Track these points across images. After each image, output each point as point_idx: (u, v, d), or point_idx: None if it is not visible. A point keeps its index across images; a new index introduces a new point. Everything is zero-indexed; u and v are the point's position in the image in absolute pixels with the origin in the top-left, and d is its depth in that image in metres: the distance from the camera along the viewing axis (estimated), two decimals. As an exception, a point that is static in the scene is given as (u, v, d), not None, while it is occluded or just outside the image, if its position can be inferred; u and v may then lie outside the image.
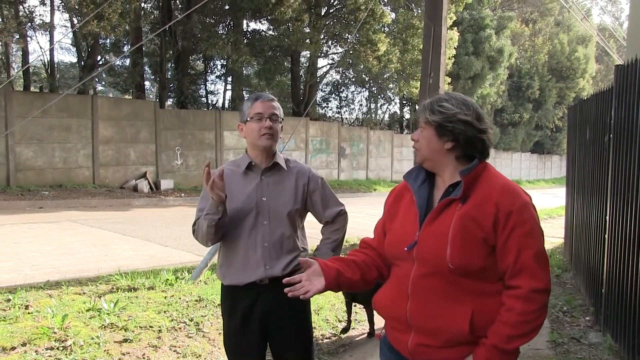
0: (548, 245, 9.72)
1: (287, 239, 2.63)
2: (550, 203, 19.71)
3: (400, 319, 1.90)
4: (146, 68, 21.63)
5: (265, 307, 2.60)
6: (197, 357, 4.09)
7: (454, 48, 21.65)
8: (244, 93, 24.21)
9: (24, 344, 3.92)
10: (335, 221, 2.82)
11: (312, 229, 2.96)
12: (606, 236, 4.96)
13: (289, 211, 2.63)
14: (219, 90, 32.26)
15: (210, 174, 2.37)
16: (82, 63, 19.06)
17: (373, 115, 32.28)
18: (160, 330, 4.41)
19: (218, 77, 26.88)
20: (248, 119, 2.59)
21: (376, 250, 2.12)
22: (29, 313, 4.59)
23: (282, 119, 2.69)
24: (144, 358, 3.94)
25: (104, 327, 4.35)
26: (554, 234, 10.99)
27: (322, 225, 2.86)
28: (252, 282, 2.59)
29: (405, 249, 1.88)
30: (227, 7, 19.16)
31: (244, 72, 23.48)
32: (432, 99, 1.92)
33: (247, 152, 2.70)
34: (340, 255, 2.50)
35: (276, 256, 2.60)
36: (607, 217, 4.93)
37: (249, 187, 2.63)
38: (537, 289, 1.75)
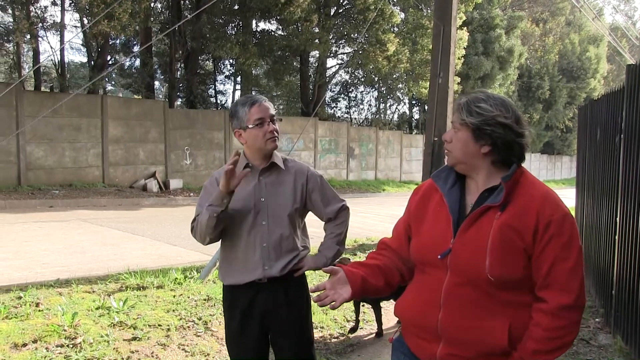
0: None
1: (286, 239, 2.62)
2: (560, 204, 19.57)
3: (428, 328, 1.82)
4: (156, 68, 21.73)
5: (264, 306, 2.61)
6: (205, 356, 4.10)
7: (464, 48, 21.57)
8: (253, 93, 24.25)
9: (34, 341, 3.95)
10: (338, 217, 2.79)
11: (315, 228, 2.94)
12: (616, 237, 4.93)
13: (287, 211, 2.62)
14: (228, 90, 32.43)
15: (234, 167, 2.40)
16: (92, 63, 19.17)
17: (382, 116, 32.30)
18: (169, 329, 4.43)
19: (227, 77, 27.01)
20: (249, 126, 2.56)
21: (397, 252, 2.01)
22: (39, 310, 4.62)
23: (281, 119, 2.70)
24: (152, 356, 3.96)
25: (113, 325, 4.37)
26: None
27: (325, 222, 2.83)
28: (251, 281, 2.59)
29: (439, 256, 1.78)
30: (236, 7, 19.19)
31: (253, 72, 23.53)
32: (469, 98, 1.80)
33: (244, 154, 2.68)
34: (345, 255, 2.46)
35: (275, 257, 2.59)
36: (618, 219, 4.90)
37: (247, 188, 2.61)
38: (566, 305, 1.67)
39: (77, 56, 52.67)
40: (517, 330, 1.71)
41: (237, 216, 2.58)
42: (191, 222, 2.67)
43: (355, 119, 31.70)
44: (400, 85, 26.73)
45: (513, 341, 1.71)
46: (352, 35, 21.02)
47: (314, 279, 5.85)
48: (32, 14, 15.61)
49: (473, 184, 1.85)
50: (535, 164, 38.65)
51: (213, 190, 2.58)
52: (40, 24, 16.06)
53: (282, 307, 2.62)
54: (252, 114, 2.55)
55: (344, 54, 24.00)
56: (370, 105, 33.07)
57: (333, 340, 4.79)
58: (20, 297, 4.96)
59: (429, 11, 20.53)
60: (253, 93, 24.05)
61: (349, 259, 4.89)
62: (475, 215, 1.75)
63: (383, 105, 32.80)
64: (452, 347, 1.77)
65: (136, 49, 20.24)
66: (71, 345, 3.93)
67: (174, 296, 5.36)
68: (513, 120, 1.74)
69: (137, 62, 21.52)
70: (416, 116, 33.20)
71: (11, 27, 16.41)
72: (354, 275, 1.88)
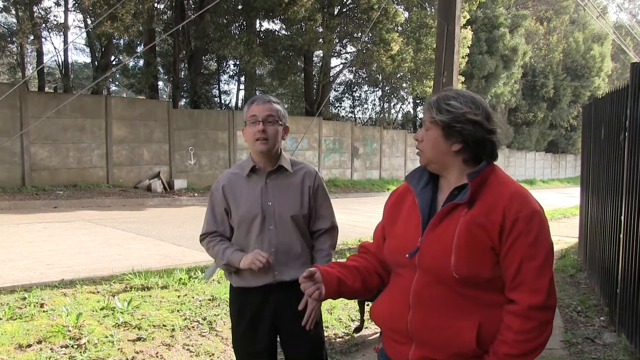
0: (562, 245, 9.64)
1: (295, 243, 2.59)
2: (564, 202, 19.57)
3: (400, 330, 1.79)
4: (159, 68, 21.76)
5: (275, 306, 2.58)
6: (210, 356, 4.10)
7: (468, 47, 21.50)
8: (257, 93, 24.24)
9: (39, 342, 3.96)
10: (330, 235, 2.74)
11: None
12: (621, 235, 4.91)
13: (294, 215, 2.58)
14: (231, 90, 32.29)
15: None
16: (96, 63, 19.24)
17: (386, 115, 32.21)
18: (173, 329, 4.43)
19: (231, 77, 27.05)
20: (245, 123, 2.55)
21: (376, 256, 2.00)
22: (44, 311, 4.63)
23: (283, 120, 2.60)
24: (157, 356, 3.96)
25: (118, 325, 4.38)
26: (568, 233, 10.90)
27: (314, 232, 2.73)
28: (262, 285, 2.57)
29: (407, 255, 1.76)
30: (240, 7, 19.20)
31: (257, 71, 23.53)
32: (439, 96, 1.77)
33: (250, 155, 2.65)
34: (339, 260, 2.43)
35: (284, 261, 2.56)
36: (622, 217, 4.88)
37: (253, 191, 2.58)
38: (536, 305, 1.62)
39: (80, 57, 52.89)
40: (487, 331, 1.67)
41: (244, 221, 2.55)
42: (200, 235, 2.68)
43: (359, 118, 31.66)
44: (404, 85, 26.62)
45: (483, 342, 1.67)
46: (356, 34, 20.99)
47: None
48: (35, 14, 15.64)
49: (445, 183, 1.83)
50: (539, 163, 38.57)
51: (219, 199, 2.60)
52: (44, 25, 16.08)
53: (294, 307, 2.58)
54: (249, 111, 2.54)
55: (347, 53, 23.97)
56: (374, 104, 33.00)
57: (338, 339, 4.78)
58: (24, 298, 4.98)
59: (432, 10, 20.49)
60: (257, 93, 24.08)
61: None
62: (443, 213, 1.73)
63: (387, 104, 32.72)
64: (423, 349, 1.74)
65: (140, 49, 20.26)
66: (76, 346, 3.93)
67: (179, 296, 5.37)
68: (483, 117, 1.73)
69: (141, 63, 21.58)
70: (420, 115, 33.14)
71: (15, 28, 16.46)
72: (330, 275, 1.85)
